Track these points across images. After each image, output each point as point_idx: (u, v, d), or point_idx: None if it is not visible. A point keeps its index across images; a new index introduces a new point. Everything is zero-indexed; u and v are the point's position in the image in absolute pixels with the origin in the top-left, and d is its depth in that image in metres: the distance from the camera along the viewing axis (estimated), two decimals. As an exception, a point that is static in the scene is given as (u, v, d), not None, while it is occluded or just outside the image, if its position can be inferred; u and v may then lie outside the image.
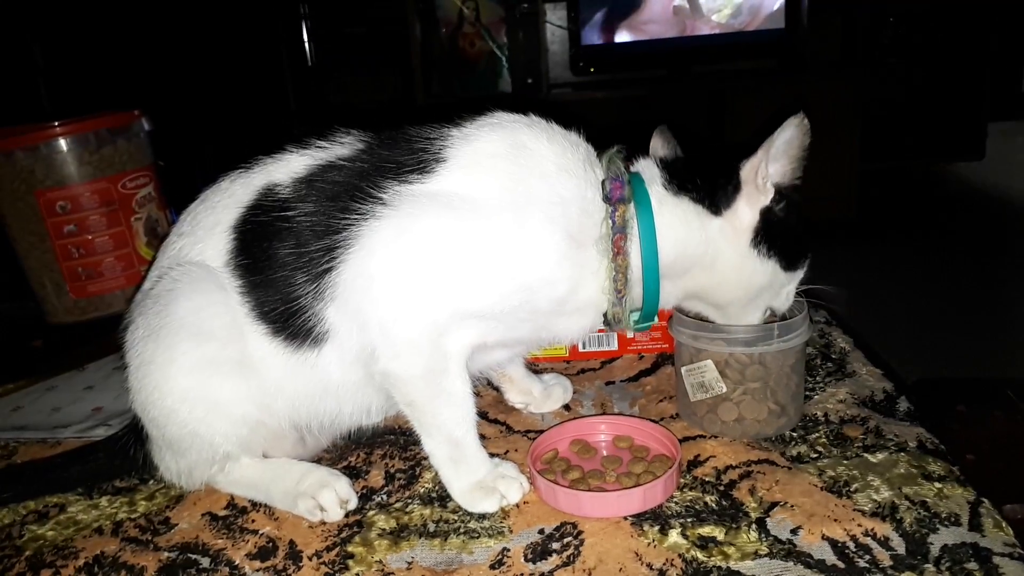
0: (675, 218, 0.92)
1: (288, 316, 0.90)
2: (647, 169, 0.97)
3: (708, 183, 0.93)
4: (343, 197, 0.88)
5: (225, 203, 0.95)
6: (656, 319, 0.99)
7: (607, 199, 0.90)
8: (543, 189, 0.88)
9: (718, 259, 0.94)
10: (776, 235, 0.93)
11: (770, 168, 0.91)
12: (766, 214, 0.93)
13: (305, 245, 0.88)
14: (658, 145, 1.03)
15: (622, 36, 4.16)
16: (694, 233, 0.93)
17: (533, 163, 0.89)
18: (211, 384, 0.92)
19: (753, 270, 0.95)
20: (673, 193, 0.94)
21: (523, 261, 0.87)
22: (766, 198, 0.92)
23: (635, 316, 0.97)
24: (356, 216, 0.86)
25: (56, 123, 1.58)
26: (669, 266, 0.93)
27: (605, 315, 0.94)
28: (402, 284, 0.86)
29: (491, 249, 0.86)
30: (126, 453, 1.02)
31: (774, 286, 0.97)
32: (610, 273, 0.90)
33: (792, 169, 0.92)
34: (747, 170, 0.91)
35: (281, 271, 0.89)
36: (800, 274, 0.99)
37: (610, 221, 0.89)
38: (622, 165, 0.94)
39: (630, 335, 1.27)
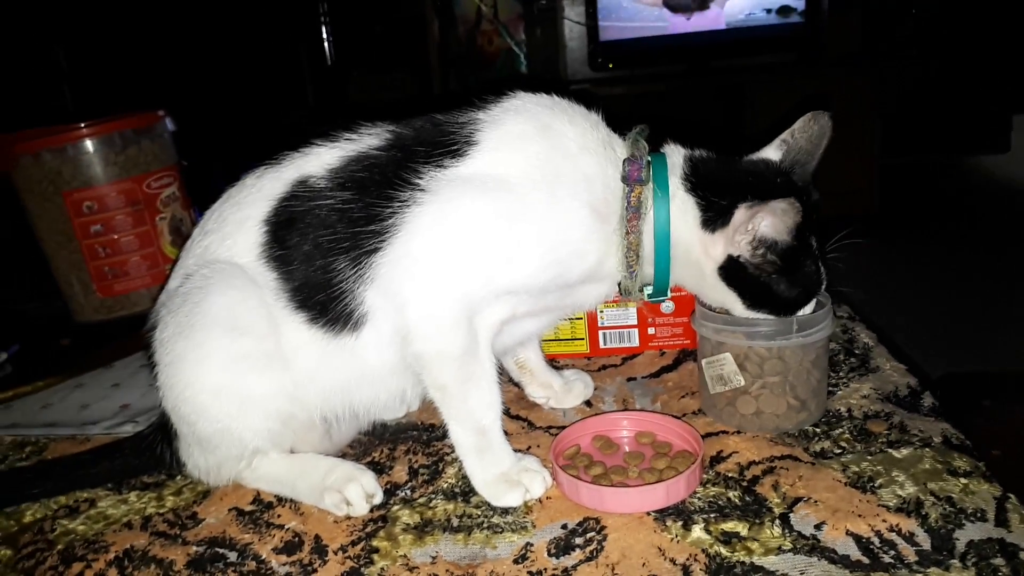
0: (678, 212, 0.95)
1: (328, 302, 0.92)
2: (673, 155, 0.99)
3: (713, 200, 0.94)
4: (383, 185, 0.90)
5: (253, 198, 0.96)
6: (669, 292, 1.02)
7: (624, 179, 0.93)
8: (567, 167, 0.92)
9: (698, 265, 0.97)
10: (739, 278, 0.96)
11: (755, 226, 0.91)
12: (734, 259, 0.94)
13: (346, 231, 0.90)
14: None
15: (640, 31, 4.14)
16: (689, 232, 0.96)
17: (557, 143, 0.92)
18: (245, 379, 0.93)
19: (719, 291, 0.98)
20: (685, 190, 0.96)
21: (556, 235, 0.91)
22: (735, 250, 0.94)
23: (648, 290, 1.01)
24: (398, 204, 0.89)
25: (82, 124, 1.60)
26: None
27: (619, 284, 0.99)
28: (442, 264, 0.89)
29: (527, 226, 0.90)
30: (153, 451, 1.03)
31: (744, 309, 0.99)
32: (623, 249, 0.94)
33: (779, 237, 0.91)
34: (736, 217, 0.92)
35: (321, 258, 0.91)
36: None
37: (625, 201, 0.93)
38: (645, 146, 0.96)
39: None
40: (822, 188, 0.99)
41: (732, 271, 0.95)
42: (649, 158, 0.95)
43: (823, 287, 0.98)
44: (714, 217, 0.94)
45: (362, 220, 0.90)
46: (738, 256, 0.94)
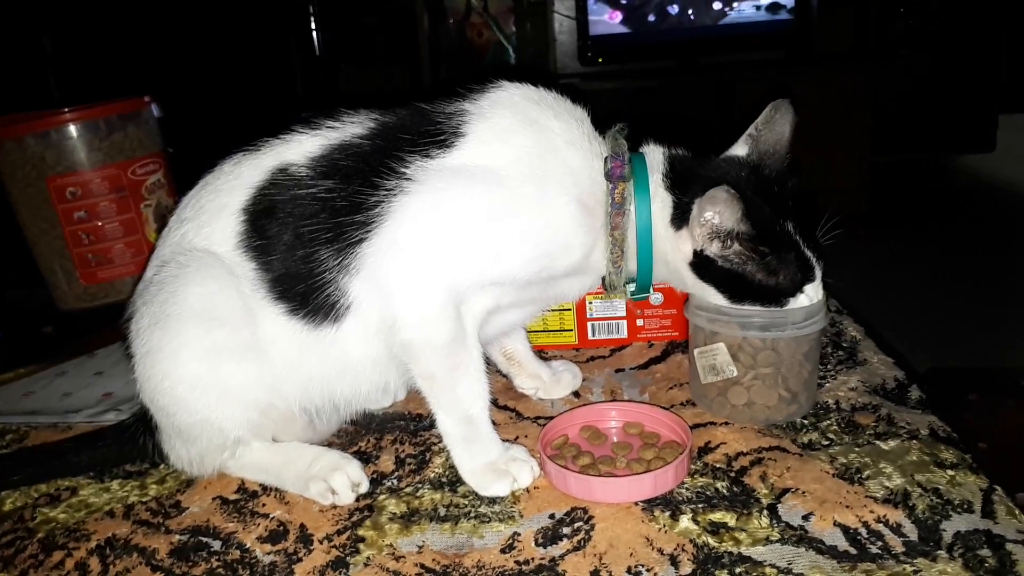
0: (658, 210, 0.95)
1: (308, 293, 0.91)
2: (652, 154, 0.99)
3: (682, 199, 0.94)
4: (368, 173, 0.89)
5: (231, 185, 0.95)
6: (651, 290, 1.03)
7: (608, 176, 0.93)
8: (555, 161, 0.92)
9: (675, 263, 0.97)
10: (711, 273, 0.95)
11: (706, 218, 0.91)
12: (700, 254, 0.94)
13: (329, 221, 0.89)
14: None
15: (630, 26, 4.14)
16: (664, 230, 0.96)
17: (544, 137, 0.92)
18: (222, 370, 0.92)
19: (699, 286, 0.98)
20: (665, 188, 0.96)
21: (545, 228, 0.91)
22: (697, 245, 0.94)
23: (631, 287, 1.01)
24: (384, 192, 0.88)
25: (66, 109, 1.58)
26: None
27: (604, 278, 0.99)
28: (430, 253, 0.88)
29: (516, 218, 0.89)
30: (135, 441, 1.02)
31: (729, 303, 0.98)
32: (608, 245, 0.95)
33: (734, 226, 0.90)
34: (693, 212, 0.91)
35: (302, 248, 0.90)
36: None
37: (609, 198, 0.93)
38: (624, 144, 0.96)
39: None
40: (812, 185, 0.99)
41: (702, 266, 0.95)
42: (630, 155, 0.95)
43: (815, 271, 0.95)
44: (679, 215, 0.94)
45: (346, 209, 0.89)
46: (703, 250, 0.94)
